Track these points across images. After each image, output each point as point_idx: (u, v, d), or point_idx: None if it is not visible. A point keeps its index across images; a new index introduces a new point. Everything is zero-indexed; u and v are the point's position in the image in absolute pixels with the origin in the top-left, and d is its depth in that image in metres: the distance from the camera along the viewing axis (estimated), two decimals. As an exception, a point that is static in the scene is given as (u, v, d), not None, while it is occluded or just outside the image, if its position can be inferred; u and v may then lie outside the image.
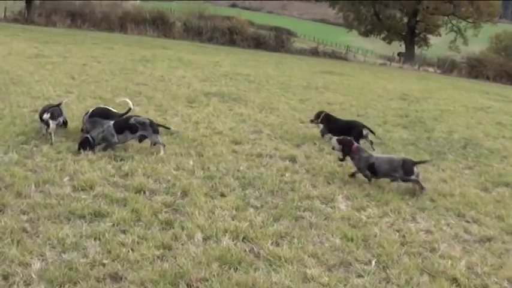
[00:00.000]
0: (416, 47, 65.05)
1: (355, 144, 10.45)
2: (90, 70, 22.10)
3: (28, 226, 6.88)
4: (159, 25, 52.38)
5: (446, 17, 63.30)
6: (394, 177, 9.84)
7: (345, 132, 12.08)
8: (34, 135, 11.02)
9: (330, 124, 13.50)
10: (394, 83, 32.24)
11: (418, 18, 63.04)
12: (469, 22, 62.58)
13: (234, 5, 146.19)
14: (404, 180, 9.81)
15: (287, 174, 10.11)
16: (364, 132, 12.88)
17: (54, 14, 48.60)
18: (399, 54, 64.91)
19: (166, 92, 18.24)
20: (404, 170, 9.67)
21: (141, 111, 14.48)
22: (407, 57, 61.49)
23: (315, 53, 55.53)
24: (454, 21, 63.19)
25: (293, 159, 11.23)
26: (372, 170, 9.94)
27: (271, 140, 12.84)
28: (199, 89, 19.81)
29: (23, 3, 52.96)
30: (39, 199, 7.71)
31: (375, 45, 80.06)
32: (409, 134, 15.47)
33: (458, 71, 55.71)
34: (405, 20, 65.21)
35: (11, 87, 16.39)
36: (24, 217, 7.13)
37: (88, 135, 10.49)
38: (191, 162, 10.07)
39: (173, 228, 7.17)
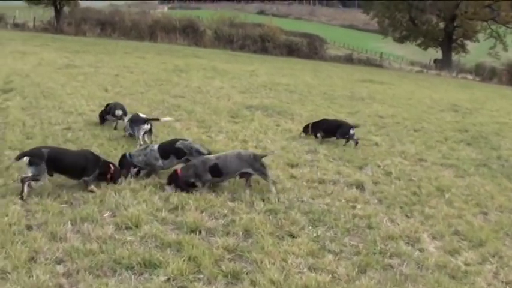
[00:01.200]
0: (453, 54, 63.12)
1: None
2: (124, 81, 20.97)
3: (65, 282, 5.62)
4: (189, 33, 51.30)
5: (485, 23, 61.23)
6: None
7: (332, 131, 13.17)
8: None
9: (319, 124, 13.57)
10: (439, 92, 30.68)
11: (455, 24, 61.09)
12: (509, 27, 60.52)
13: (261, 12, 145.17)
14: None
15: (358, 206, 8.75)
16: (351, 131, 13.10)
17: (83, 23, 47.77)
18: (435, 61, 62.95)
19: (206, 106, 17.00)
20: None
21: (183, 128, 13.35)
22: (445, 64, 59.54)
23: (349, 60, 54.11)
24: (493, 27, 61.15)
25: (360, 186, 9.86)
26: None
27: (329, 162, 11.50)
28: (240, 101, 18.55)
29: (52, 13, 52.29)
30: (77, 243, 6.45)
31: (405, 51, 78.18)
32: (476, 152, 13.97)
33: (498, 78, 53.80)
34: (442, 25, 63.23)
35: (42, 101, 15.34)
36: (61, 268, 5.87)
37: (126, 153, 9.26)
38: (248, 192, 8.73)
39: (241, 282, 5.87)
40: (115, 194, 8.17)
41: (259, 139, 12.92)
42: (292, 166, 10.81)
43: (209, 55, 40.59)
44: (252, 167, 8.88)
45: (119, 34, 48.70)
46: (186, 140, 9.77)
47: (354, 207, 8.69)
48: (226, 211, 7.88)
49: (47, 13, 53.88)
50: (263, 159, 9.15)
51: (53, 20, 51.67)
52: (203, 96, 19.07)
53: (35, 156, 7.94)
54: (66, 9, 53.33)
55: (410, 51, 77.42)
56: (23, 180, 7.84)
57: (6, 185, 8.32)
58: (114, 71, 23.81)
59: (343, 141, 13.19)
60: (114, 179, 8.64)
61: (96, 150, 10.07)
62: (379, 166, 11.53)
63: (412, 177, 10.88)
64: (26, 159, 7.93)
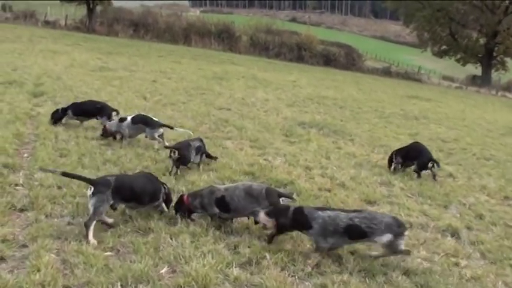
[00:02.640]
0: (492, 71, 60.97)
1: None
2: (162, 88, 19.44)
3: None
4: (224, 38, 49.75)
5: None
6: None
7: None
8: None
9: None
10: (488, 112, 28.83)
11: (497, 40, 58.96)
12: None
13: (293, 19, 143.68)
14: None
15: (462, 263, 7.08)
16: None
17: (116, 23, 46.38)
18: (474, 77, 60.81)
19: (255, 121, 15.40)
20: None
21: (235, 148, 11.72)
22: (484, 81, 57.47)
23: (387, 73, 52.37)
24: (535, 45, 59.14)
25: (455, 233, 8.17)
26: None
27: (409, 197, 9.81)
28: (290, 116, 16.96)
29: (84, 11, 51.08)
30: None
31: (437, 65, 76.21)
32: None
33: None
34: (482, 41, 61.14)
35: (76, 109, 13.73)
36: None
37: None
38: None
39: None
40: (171, 238, 6.55)
41: (323, 165, 11.25)
42: (369, 202, 9.15)
43: (245, 62, 38.99)
44: (263, 206, 7.05)
45: (151, 36, 47.30)
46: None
47: (457, 264, 7.06)
48: (310, 269, 6.21)
49: (79, 11, 52.76)
50: (282, 199, 7.37)
51: (85, 18, 50.39)
52: (250, 109, 17.48)
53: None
54: (98, 8, 52.03)
55: (442, 65, 75.55)
56: (87, 225, 6.36)
57: (38, 222, 6.70)
58: (151, 76, 22.32)
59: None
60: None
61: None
62: (464, 204, 9.83)
63: (506, 221, 9.15)
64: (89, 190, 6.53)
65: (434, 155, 13.59)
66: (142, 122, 11.09)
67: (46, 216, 6.90)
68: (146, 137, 11.21)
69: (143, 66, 25.90)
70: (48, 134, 10.97)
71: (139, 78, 21.29)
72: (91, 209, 6.45)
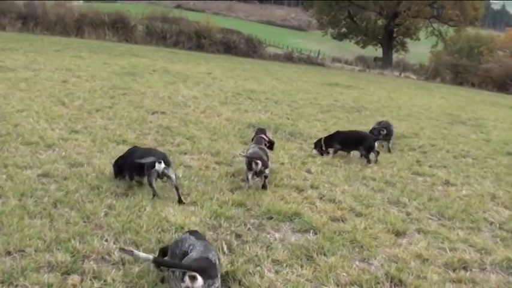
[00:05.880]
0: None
1: None
2: (77, 90, 16.95)
3: None
4: (118, 28, 46.72)
5: (427, 20, 59.40)
6: None
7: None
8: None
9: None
10: (412, 97, 27.96)
11: (396, 22, 58.91)
12: (451, 26, 58.98)
13: (178, 6, 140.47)
14: None
15: None
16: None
17: (2, 17, 42.39)
18: (375, 59, 60.72)
19: (199, 126, 13.39)
20: None
21: (202, 167, 9.71)
22: (386, 62, 57.33)
23: (289, 58, 51.04)
24: (435, 25, 59.46)
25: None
26: None
27: (432, 220, 8.16)
28: (232, 117, 15.06)
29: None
30: None
31: (324, 46, 75.92)
32: None
33: (442, 77, 51.88)
34: (380, 22, 61.11)
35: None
36: None
37: None
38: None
39: None
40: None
41: (311, 182, 9.44)
42: (397, 234, 7.39)
43: (146, 53, 36.32)
44: None
45: (41, 29, 43.60)
46: None
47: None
48: None
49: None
50: None
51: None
52: (184, 110, 15.40)
53: None
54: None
55: (329, 47, 75.37)
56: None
57: None
58: (58, 76, 19.63)
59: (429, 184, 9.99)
60: None
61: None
62: (492, 223, 8.30)
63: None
64: None
65: (412, 156, 12.25)
66: None
67: None
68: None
69: (44, 63, 23.03)
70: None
71: (47, 79, 18.61)
72: None
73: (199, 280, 4.53)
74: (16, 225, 6.34)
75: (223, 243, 6.39)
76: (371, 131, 12.63)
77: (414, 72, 56.20)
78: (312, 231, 7.09)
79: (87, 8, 50.45)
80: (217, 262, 4.95)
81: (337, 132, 11.99)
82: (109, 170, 8.83)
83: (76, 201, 7.35)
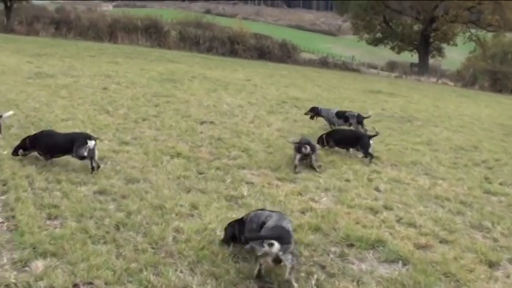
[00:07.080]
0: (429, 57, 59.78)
1: None
2: (119, 98, 16.48)
3: None
4: (151, 34, 46.34)
5: (465, 25, 57.98)
6: None
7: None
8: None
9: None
10: (458, 105, 26.88)
11: (434, 26, 57.60)
12: (489, 31, 57.58)
13: (207, 11, 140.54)
14: None
15: None
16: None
17: (36, 22, 42.20)
18: (412, 65, 59.46)
19: (253, 137, 12.71)
20: None
21: (264, 184, 9.05)
22: (422, 68, 56.01)
23: (324, 64, 50.05)
24: (473, 30, 58.07)
25: None
26: None
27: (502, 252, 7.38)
28: (283, 127, 14.45)
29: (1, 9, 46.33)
30: None
31: (354, 51, 74.75)
32: None
33: (480, 84, 50.57)
34: (416, 27, 59.81)
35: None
36: None
37: None
38: None
39: None
40: None
41: (384, 202, 8.70)
42: (490, 266, 6.70)
43: (181, 58, 35.83)
44: None
45: (74, 34, 43.37)
46: None
47: None
48: None
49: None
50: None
51: (3, 18, 45.46)
52: (232, 120, 14.77)
53: None
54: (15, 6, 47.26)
55: (359, 52, 74.19)
56: None
57: None
58: (98, 82, 19.19)
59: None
60: None
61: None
62: None
63: None
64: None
65: (479, 172, 11.48)
66: None
67: None
68: None
69: (82, 69, 22.63)
70: (19, 180, 7.98)
71: (87, 86, 18.18)
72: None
73: (276, 245, 5.26)
74: (80, 252, 5.74)
75: (310, 277, 5.73)
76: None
77: (449, 78, 54.88)
78: (400, 261, 6.39)
79: (118, 13, 50.12)
80: (291, 229, 5.73)
81: (335, 131, 13.10)
82: (167, 186, 8.22)
83: (140, 224, 6.76)
